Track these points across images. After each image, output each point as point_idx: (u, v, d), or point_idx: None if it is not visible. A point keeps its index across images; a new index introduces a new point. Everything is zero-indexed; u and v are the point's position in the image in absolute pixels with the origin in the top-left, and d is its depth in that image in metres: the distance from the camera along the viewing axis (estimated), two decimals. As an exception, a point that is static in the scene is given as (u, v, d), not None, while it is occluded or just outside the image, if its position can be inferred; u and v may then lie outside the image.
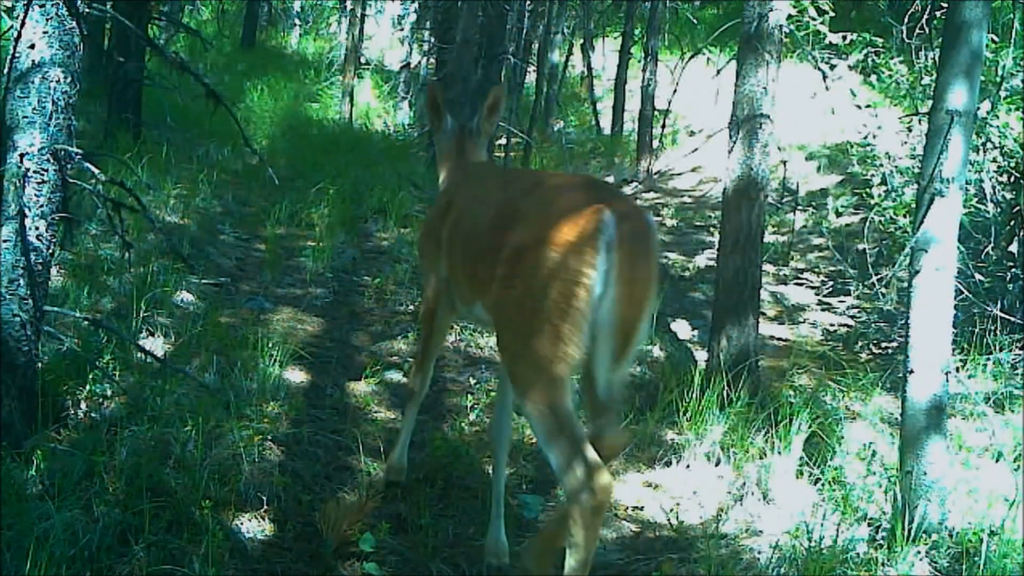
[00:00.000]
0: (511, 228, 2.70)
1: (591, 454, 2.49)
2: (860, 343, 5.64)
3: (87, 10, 3.35)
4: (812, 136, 10.10)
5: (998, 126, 5.29)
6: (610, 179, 11.59)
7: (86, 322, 3.93)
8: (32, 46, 3.24)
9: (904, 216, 5.69)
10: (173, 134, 8.19)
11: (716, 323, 4.69)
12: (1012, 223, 5.35)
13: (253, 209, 7.46)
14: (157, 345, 4.38)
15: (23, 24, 3.24)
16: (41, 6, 3.24)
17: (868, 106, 6.48)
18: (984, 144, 5.33)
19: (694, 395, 4.22)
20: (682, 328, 5.91)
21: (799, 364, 5.16)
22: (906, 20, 5.84)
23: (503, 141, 11.31)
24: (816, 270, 7.37)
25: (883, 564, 3.11)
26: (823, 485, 3.64)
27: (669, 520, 3.61)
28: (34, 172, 3.27)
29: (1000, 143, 5.33)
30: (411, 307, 5.84)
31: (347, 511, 3.33)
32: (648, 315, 2.65)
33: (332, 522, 3.25)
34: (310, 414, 4.16)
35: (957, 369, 4.63)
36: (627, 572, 3.31)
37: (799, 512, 3.46)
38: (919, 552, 3.10)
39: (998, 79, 5.22)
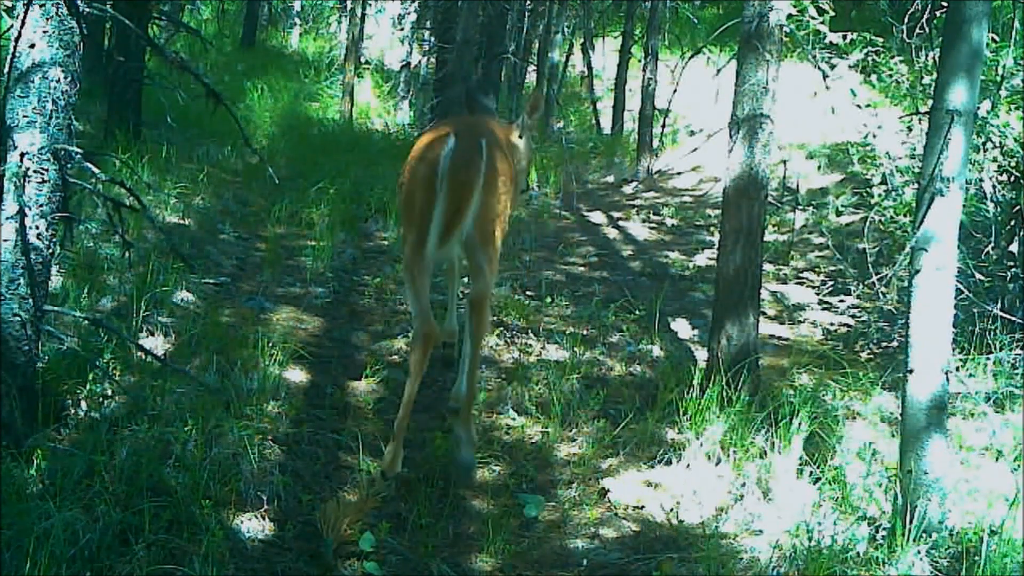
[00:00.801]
0: None
1: (424, 303, 3.86)
2: (860, 342, 5.64)
3: (87, 10, 3.36)
4: (812, 135, 10.09)
5: (998, 125, 5.28)
6: (610, 179, 11.59)
7: (86, 322, 3.93)
8: (32, 46, 3.25)
9: (904, 215, 5.68)
10: (173, 134, 8.19)
11: (716, 322, 4.68)
12: (1012, 223, 5.34)
13: (253, 209, 7.46)
14: (157, 345, 4.38)
15: (23, 24, 3.24)
16: (41, 6, 3.24)
17: (868, 105, 6.45)
18: (984, 143, 5.31)
19: (694, 394, 4.23)
20: (682, 327, 5.91)
21: (799, 363, 5.16)
22: (906, 20, 5.82)
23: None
24: (816, 269, 7.36)
25: (883, 563, 3.11)
26: (823, 484, 3.63)
27: (669, 519, 3.61)
28: (34, 172, 3.27)
29: (1000, 142, 5.32)
30: (411, 307, 5.84)
31: (347, 511, 3.34)
32: (472, 209, 3.76)
33: (332, 522, 3.26)
34: (310, 413, 4.17)
35: (957, 368, 4.62)
36: (627, 571, 3.31)
37: (799, 511, 3.46)
38: (919, 552, 3.10)
39: (998, 78, 5.21)
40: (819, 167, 9.81)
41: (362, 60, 15.75)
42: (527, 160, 4.95)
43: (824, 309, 6.45)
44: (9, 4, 3.43)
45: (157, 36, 12.14)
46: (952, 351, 3.45)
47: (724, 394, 4.17)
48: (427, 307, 3.88)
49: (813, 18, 6.67)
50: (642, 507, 3.73)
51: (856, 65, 6.84)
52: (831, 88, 6.80)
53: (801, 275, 7.24)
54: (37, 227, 3.30)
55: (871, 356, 5.42)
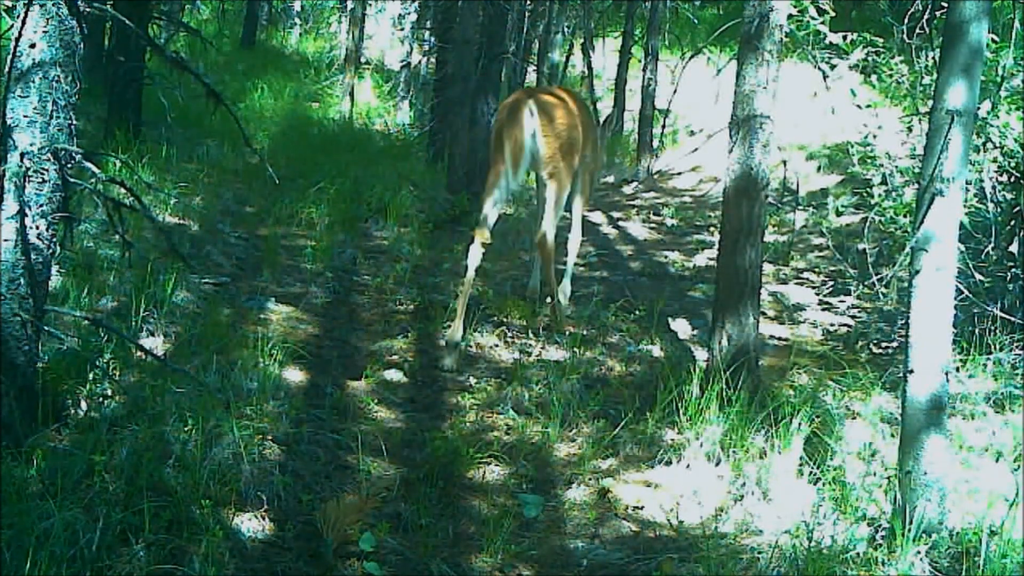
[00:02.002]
0: None
1: (491, 214, 5.29)
2: (860, 343, 5.64)
3: (87, 10, 3.35)
4: (812, 136, 10.09)
5: (998, 126, 5.28)
6: (610, 179, 11.60)
7: (86, 321, 3.93)
8: (33, 45, 3.24)
9: (904, 216, 5.68)
10: (173, 133, 8.19)
11: (716, 322, 4.69)
12: (1012, 223, 5.34)
13: (253, 208, 7.45)
14: (157, 344, 4.38)
15: (24, 24, 3.24)
16: (42, 6, 3.24)
17: (868, 106, 6.45)
18: (984, 144, 5.32)
19: (694, 394, 4.23)
20: (682, 327, 5.91)
21: (799, 363, 5.16)
22: (906, 20, 5.82)
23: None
24: (816, 270, 7.37)
25: (883, 564, 3.11)
26: (823, 484, 3.64)
27: (669, 519, 3.61)
28: (34, 172, 3.27)
29: (1000, 143, 5.32)
30: (411, 306, 5.84)
31: (347, 511, 3.34)
32: (526, 149, 5.28)
33: (332, 522, 3.26)
34: (310, 413, 4.17)
35: (957, 369, 4.63)
36: (627, 571, 3.31)
37: (799, 512, 3.47)
38: (919, 552, 3.10)
39: (998, 79, 5.21)
40: (819, 168, 9.82)
41: (362, 60, 15.75)
42: (598, 163, 6.52)
43: (824, 309, 6.45)
44: (9, 4, 3.43)
45: (157, 36, 12.14)
46: (952, 351, 3.45)
47: (724, 394, 4.17)
48: (486, 217, 5.27)
49: (813, 18, 6.67)
50: (642, 507, 3.73)
51: (856, 65, 6.84)
52: (831, 88, 6.81)
53: (801, 275, 7.25)
54: (37, 227, 3.30)
55: (871, 356, 5.42)
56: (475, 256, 5.17)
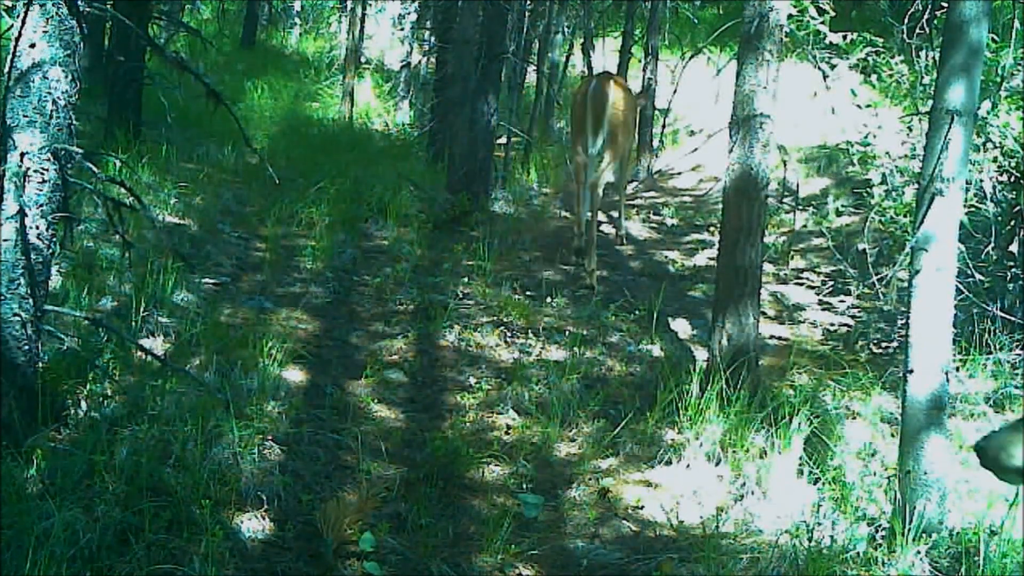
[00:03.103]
0: None
1: (578, 179, 7.04)
2: (860, 343, 5.64)
3: (87, 9, 3.36)
4: (812, 136, 10.07)
5: (998, 126, 5.28)
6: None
7: (86, 321, 3.94)
8: (32, 45, 3.25)
9: (904, 216, 5.68)
10: (173, 133, 8.18)
11: (716, 322, 4.69)
12: (1012, 223, 5.34)
13: (253, 208, 7.45)
14: (157, 344, 4.39)
15: (24, 23, 3.24)
16: (42, 6, 3.24)
17: (868, 106, 6.45)
18: (984, 144, 5.32)
19: (694, 394, 4.23)
20: (682, 327, 5.91)
21: (799, 363, 5.16)
22: (906, 20, 5.83)
23: (503, 140, 11.30)
24: (816, 270, 7.36)
25: (883, 564, 3.11)
26: (823, 484, 3.64)
27: (669, 519, 3.61)
28: (34, 172, 3.27)
29: (1000, 143, 5.32)
30: (411, 306, 5.84)
31: (347, 511, 3.34)
32: (605, 123, 6.61)
33: (332, 522, 3.26)
34: (310, 413, 4.17)
35: (957, 369, 4.63)
36: (627, 571, 3.31)
37: (799, 511, 3.47)
38: (919, 552, 3.10)
39: (998, 79, 5.21)
40: (819, 167, 9.81)
41: (362, 60, 15.74)
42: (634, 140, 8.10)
43: (824, 309, 6.45)
44: (9, 4, 3.43)
45: (157, 36, 12.13)
46: (952, 351, 3.46)
47: (724, 394, 4.17)
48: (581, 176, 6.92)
49: (813, 18, 6.68)
50: (642, 507, 3.73)
51: (856, 65, 6.85)
52: (831, 88, 6.81)
53: (801, 275, 7.24)
54: (37, 227, 3.30)
55: (871, 356, 5.42)
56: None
